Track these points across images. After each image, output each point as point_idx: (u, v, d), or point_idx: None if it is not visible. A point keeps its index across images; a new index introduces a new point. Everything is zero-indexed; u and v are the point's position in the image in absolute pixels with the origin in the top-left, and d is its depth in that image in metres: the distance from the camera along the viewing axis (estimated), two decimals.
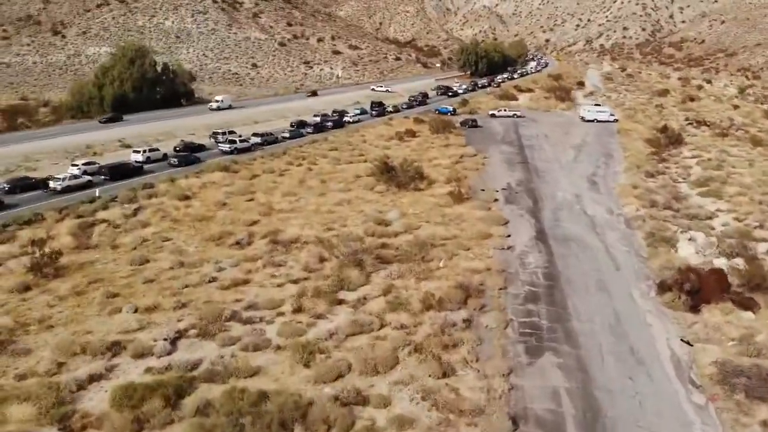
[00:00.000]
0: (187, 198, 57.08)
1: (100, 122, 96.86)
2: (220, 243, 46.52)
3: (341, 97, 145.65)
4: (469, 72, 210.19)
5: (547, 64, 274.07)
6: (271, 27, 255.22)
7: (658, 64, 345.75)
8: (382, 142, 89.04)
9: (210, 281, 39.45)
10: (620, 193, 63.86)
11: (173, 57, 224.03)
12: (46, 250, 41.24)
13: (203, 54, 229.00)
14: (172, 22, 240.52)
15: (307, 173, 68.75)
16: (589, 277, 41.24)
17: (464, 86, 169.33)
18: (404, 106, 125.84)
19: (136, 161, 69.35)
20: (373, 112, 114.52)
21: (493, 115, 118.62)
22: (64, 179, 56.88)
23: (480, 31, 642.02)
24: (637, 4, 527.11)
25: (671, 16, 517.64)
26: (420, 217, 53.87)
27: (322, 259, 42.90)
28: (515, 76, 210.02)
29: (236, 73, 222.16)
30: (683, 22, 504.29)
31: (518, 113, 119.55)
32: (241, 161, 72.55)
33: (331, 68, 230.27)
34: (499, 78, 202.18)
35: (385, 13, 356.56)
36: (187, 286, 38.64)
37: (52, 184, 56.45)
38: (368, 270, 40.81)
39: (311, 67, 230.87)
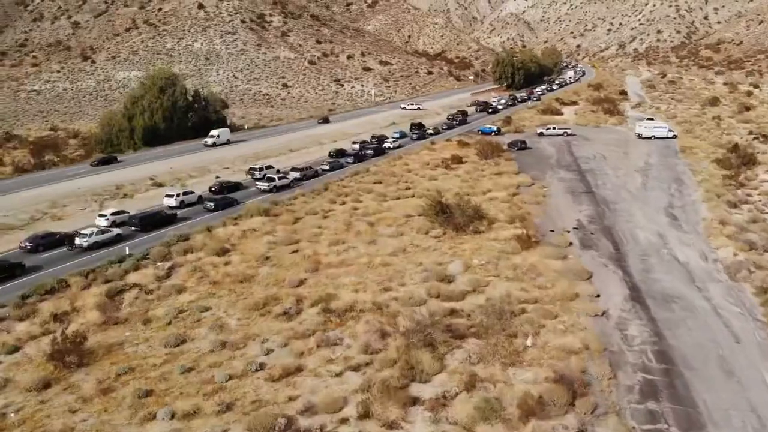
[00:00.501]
0: (226, 252, 51.50)
1: (91, 165, 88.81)
2: (265, 312, 40.68)
3: (373, 119, 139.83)
4: (505, 84, 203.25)
5: (584, 73, 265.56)
6: (300, 45, 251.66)
7: (697, 68, 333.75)
8: (427, 171, 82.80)
9: (257, 369, 33.51)
10: (708, 231, 56.51)
11: (203, 79, 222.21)
12: (69, 331, 35.88)
13: (233, 75, 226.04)
14: (201, 44, 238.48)
15: (352, 214, 62.78)
16: (708, 356, 34.29)
17: (503, 101, 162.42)
18: (444, 127, 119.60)
19: (169, 206, 64.24)
20: (413, 136, 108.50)
21: (541, 134, 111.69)
22: (90, 235, 51.79)
23: (507, 39, 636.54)
24: (670, 6, 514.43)
25: (706, 18, 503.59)
26: (487, 270, 47.41)
27: (383, 335, 36.71)
28: (554, 87, 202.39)
29: (267, 94, 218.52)
30: (718, 23, 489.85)
31: (568, 131, 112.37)
32: (281, 200, 67.03)
33: (362, 85, 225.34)
34: (538, 90, 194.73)
35: (413, 26, 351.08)
36: (231, 378, 32.75)
37: (78, 240, 51.40)
38: (441, 350, 34.50)
39: (342, 85, 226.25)
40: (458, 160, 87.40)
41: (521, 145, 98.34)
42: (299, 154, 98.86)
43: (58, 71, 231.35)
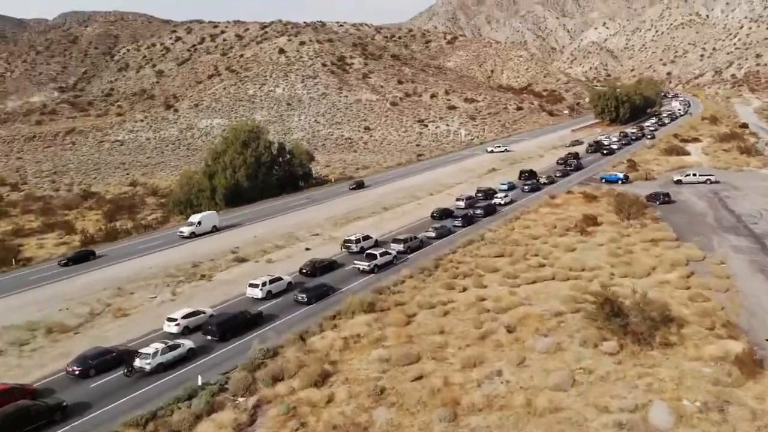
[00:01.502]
0: (326, 377, 38.33)
1: (59, 264, 66.60)
2: None
3: (467, 165, 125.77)
4: (608, 119, 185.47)
5: (689, 103, 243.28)
6: (382, 87, 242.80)
7: None
8: (557, 237, 67.69)
9: None
10: None
11: (285, 125, 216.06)
12: None
13: (315, 120, 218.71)
14: (283, 90, 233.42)
15: (480, 308, 48.53)
16: None
17: (615, 139, 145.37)
18: (558, 174, 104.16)
19: (253, 298, 52.22)
20: (525, 187, 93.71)
21: (679, 182, 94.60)
22: (154, 354, 39.84)
23: (590, 68, 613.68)
24: None
25: None
26: (711, 421, 31.88)
27: None
28: (665, 121, 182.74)
29: (349, 138, 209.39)
30: None
31: (711, 177, 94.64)
32: (385, 286, 53.78)
33: (447, 125, 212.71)
34: (648, 125, 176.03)
35: (496, 60, 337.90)
36: None
37: (138, 362, 39.55)
38: None
39: (426, 126, 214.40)
40: (593, 221, 71.88)
41: (664, 199, 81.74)
42: (394, 214, 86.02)
43: (142, 120, 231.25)
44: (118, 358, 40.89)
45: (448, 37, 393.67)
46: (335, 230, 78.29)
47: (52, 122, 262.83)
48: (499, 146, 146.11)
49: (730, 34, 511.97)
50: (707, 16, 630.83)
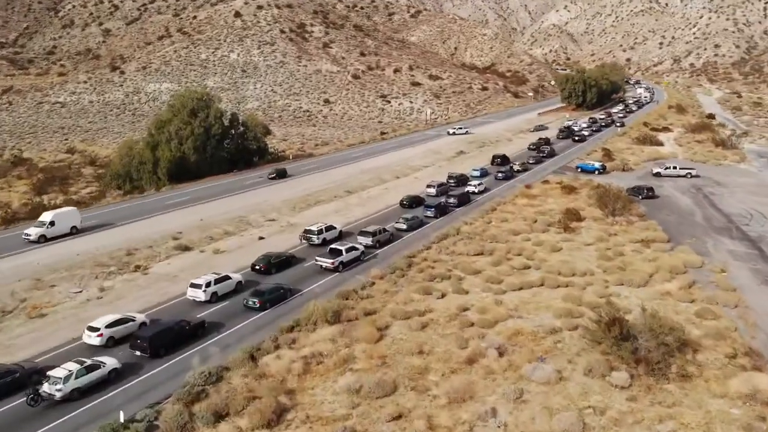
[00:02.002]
0: (282, 413, 31.00)
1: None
2: None
3: (435, 147, 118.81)
4: (574, 104, 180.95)
5: (653, 91, 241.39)
6: (343, 58, 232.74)
7: (766, 86, 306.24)
8: (540, 234, 61.48)
9: None
10: None
11: (239, 93, 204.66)
12: None
13: (271, 89, 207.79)
14: (238, 55, 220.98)
15: (462, 320, 41.88)
16: None
17: (584, 125, 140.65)
18: (531, 161, 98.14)
19: (195, 300, 44.22)
20: (499, 174, 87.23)
21: (658, 174, 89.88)
22: (68, 378, 31.72)
23: (551, 51, 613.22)
24: (727, 19, 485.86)
25: (766, 32, 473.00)
26: None
27: None
28: (633, 108, 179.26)
29: (307, 111, 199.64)
30: None
31: (692, 171, 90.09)
32: (352, 287, 46.58)
33: (411, 102, 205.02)
34: (616, 111, 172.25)
35: (460, 37, 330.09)
36: None
37: (47, 387, 31.46)
38: None
39: (389, 102, 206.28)
40: (575, 216, 65.96)
41: (648, 193, 76.56)
42: (359, 199, 78.48)
43: (85, 82, 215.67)
44: (26, 377, 32.59)
45: (412, 10, 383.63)
46: (293, 215, 70.41)
47: None
48: (461, 128, 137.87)
49: (690, 23, 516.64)
50: (666, 4, 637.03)
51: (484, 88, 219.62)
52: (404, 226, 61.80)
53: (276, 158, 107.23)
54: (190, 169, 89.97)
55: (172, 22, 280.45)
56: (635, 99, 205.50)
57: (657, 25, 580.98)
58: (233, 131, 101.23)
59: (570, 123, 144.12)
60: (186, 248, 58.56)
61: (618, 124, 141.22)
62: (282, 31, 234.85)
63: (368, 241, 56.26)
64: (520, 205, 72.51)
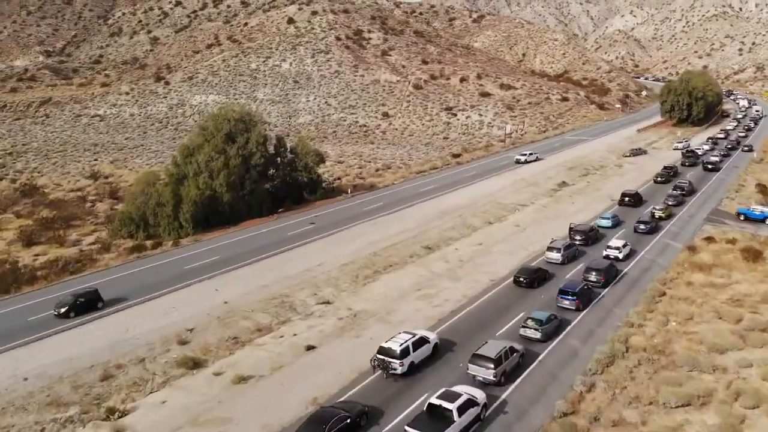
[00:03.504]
0: None
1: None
2: None
3: (528, 175, 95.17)
4: (676, 118, 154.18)
5: (755, 102, 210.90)
6: (404, 67, 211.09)
7: None
8: (760, 353, 37.59)
9: None
10: None
11: (290, 106, 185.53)
12: None
13: (325, 102, 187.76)
14: (290, 64, 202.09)
15: None
16: None
17: (706, 147, 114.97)
18: (671, 202, 73.64)
19: None
20: (641, 226, 63.02)
21: None
22: None
23: (617, 57, 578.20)
24: None
25: None
26: None
27: None
28: (751, 124, 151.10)
29: (364, 125, 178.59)
30: None
31: None
32: None
33: (481, 115, 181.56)
34: (731, 128, 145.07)
35: (528, 43, 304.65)
36: None
37: None
38: None
39: (454, 114, 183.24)
40: None
41: None
42: (446, 264, 55.83)
43: (127, 93, 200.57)
44: None
45: (474, 15, 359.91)
46: (356, 293, 48.60)
47: (29, 90, 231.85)
48: (531, 153, 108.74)
49: None
50: (740, 9, 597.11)
51: (565, 99, 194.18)
52: (538, 335, 38.80)
53: (330, 192, 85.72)
54: (222, 210, 69.34)
55: (222, 29, 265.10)
56: (743, 113, 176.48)
57: (733, 31, 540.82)
58: (279, 159, 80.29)
59: (683, 143, 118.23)
60: (195, 364, 37.33)
61: (745, 148, 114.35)
62: (338, 38, 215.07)
63: (489, 375, 33.43)
64: (696, 284, 48.54)
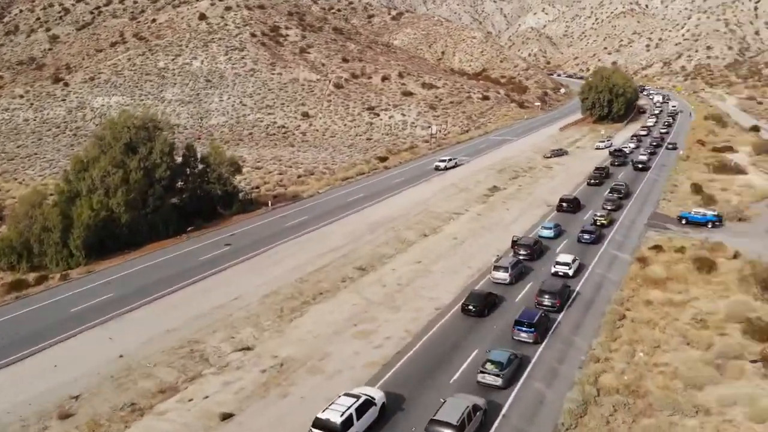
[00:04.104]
0: None
1: None
2: None
3: (458, 181, 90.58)
4: (597, 116, 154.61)
5: (669, 98, 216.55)
6: (323, 65, 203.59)
7: None
8: (738, 386, 33.61)
9: None
10: None
11: (202, 107, 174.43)
12: None
13: (240, 102, 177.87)
14: (202, 63, 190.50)
15: None
16: None
17: (632, 145, 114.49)
18: (609, 206, 70.48)
19: None
20: (585, 236, 59.05)
21: None
22: None
23: (530, 54, 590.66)
24: (717, 20, 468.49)
25: (757, 33, 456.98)
26: None
27: None
28: (669, 120, 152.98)
29: (283, 126, 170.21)
30: None
31: None
32: None
33: (404, 115, 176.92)
34: (651, 125, 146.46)
35: (447, 41, 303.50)
36: None
37: None
38: None
39: (377, 114, 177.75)
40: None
41: None
42: (383, 290, 49.78)
43: (22, 96, 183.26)
44: None
45: (393, 12, 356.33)
46: (280, 333, 41.76)
47: None
48: (450, 159, 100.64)
49: (678, 24, 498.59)
50: (647, 6, 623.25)
51: (485, 98, 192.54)
52: (499, 382, 33.20)
53: (249, 203, 77.86)
54: (120, 234, 60.40)
55: (128, 26, 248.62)
56: (659, 109, 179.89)
57: (640, 27, 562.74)
58: (188, 170, 71.78)
59: (606, 143, 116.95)
60: None
61: (670, 146, 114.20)
62: (253, 35, 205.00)
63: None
64: (655, 303, 44.57)
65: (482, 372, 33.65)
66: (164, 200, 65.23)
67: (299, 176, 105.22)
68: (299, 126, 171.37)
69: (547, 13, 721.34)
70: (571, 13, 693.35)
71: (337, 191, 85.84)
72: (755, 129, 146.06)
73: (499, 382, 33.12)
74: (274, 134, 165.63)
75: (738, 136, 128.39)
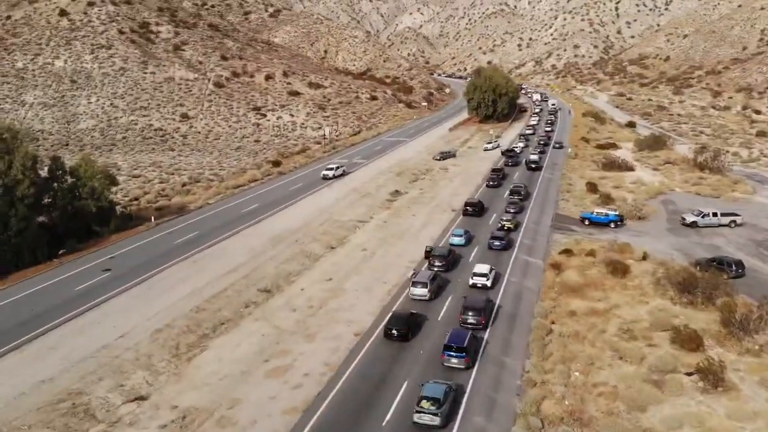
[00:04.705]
0: None
1: None
2: None
3: (360, 184, 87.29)
4: (482, 115, 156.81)
5: (548, 96, 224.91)
6: (201, 63, 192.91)
7: (638, 86, 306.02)
8: (676, 403, 32.44)
9: None
10: None
11: (68, 110, 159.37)
12: None
13: (111, 104, 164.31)
14: (65, 62, 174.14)
15: None
16: None
17: (521, 144, 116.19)
18: (512, 209, 69.60)
19: None
20: (496, 243, 57.30)
21: (693, 225, 65.00)
22: None
23: (409, 54, 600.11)
24: (582, 20, 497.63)
25: (619, 32, 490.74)
26: None
27: None
28: (552, 119, 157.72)
29: (161, 129, 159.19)
30: (632, 37, 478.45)
31: (737, 218, 66.15)
32: None
33: (292, 115, 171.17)
34: (535, 123, 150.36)
35: (329, 39, 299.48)
36: None
37: None
38: None
39: (264, 115, 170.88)
40: (694, 341, 37.82)
41: (737, 270, 50.58)
42: (294, 315, 45.47)
43: None
44: None
45: (271, 9, 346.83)
46: (178, 376, 36.28)
47: None
48: (338, 167, 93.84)
49: (546, 25, 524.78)
50: (515, 6, 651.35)
51: (374, 98, 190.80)
52: (437, 421, 29.81)
53: (128, 219, 69.94)
54: None
55: None
56: (539, 107, 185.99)
57: (511, 27, 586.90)
58: (56, 184, 62.96)
59: (494, 144, 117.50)
60: None
61: (557, 145, 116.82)
62: (121, 32, 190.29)
63: None
64: (579, 313, 43.18)
65: (418, 411, 30.14)
66: (29, 221, 56.42)
67: (184, 185, 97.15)
68: (178, 128, 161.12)
69: (422, 13, 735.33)
70: (445, 13, 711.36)
71: (229, 201, 79.45)
72: (632, 125, 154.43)
73: (437, 421, 29.78)
74: (151, 137, 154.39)
75: (618, 133, 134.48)
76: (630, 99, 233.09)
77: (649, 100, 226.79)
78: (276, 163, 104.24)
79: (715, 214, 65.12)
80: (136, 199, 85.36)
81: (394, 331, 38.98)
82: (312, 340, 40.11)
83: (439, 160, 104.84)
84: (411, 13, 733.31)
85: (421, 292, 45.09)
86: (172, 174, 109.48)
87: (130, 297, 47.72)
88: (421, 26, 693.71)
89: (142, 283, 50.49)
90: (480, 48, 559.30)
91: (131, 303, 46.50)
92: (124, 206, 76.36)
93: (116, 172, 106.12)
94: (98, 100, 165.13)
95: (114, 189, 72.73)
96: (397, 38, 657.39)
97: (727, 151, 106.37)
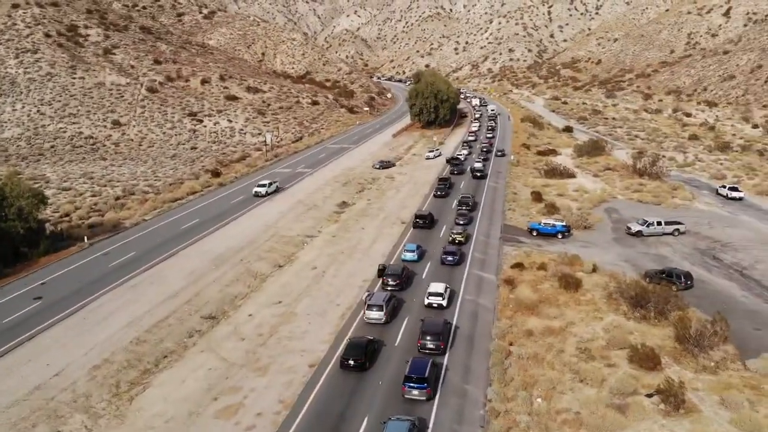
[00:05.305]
0: None
1: None
2: None
3: (307, 196, 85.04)
4: (424, 121, 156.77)
5: (486, 101, 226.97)
6: (133, 67, 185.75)
7: (572, 90, 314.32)
8: (640, 427, 32.11)
9: None
10: None
11: None
12: None
13: (38, 111, 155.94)
14: None
15: None
16: None
17: (464, 152, 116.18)
18: (461, 221, 68.96)
19: None
20: (449, 258, 56.33)
21: (639, 234, 66.08)
22: None
23: (347, 57, 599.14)
24: (516, 24, 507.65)
25: (552, 36, 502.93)
26: None
27: None
28: (492, 124, 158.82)
29: (91, 136, 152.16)
30: (564, 41, 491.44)
31: (680, 227, 67.52)
32: None
33: (230, 121, 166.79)
34: (475, 129, 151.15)
35: (267, 42, 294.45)
36: None
37: None
38: None
39: (201, 121, 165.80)
40: (651, 359, 37.80)
41: (686, 282, 51.33)
42: (242, 344, 43.29)
43: None
44: None
45: (205, 11, 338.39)
46: (120, 418, 33.74)
47: None
48: (271, 183, 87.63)
49: (481, 29, 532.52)
50: (451, 10, 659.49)
51: (315, 102, 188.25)
52: None
53: (60, 239, 65.66)
54: None
55: None
56: (479, 113, 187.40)
57: (447, 31, 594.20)
58: None
59: (435, 152, 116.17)
60: None
61: (499, 153, 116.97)
62: (47, 35, 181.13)
63: None
64: (535, 332, 42.61)
65: None
66: None
67: (117, 198, 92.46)
68: (110, 136, 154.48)
69: (359, 16, 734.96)
70: (382, 16, 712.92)
71: (167, 217, 75.79)
72: (569, 129, 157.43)
73: None
74: (81, 146, 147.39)
75: (556, 138, 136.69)
76: (565, 103, 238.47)
77: (584, 103, 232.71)
78: (216, 174, 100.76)
79: (659, 223, 66.37)
80: (67, 215, 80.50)
81: (350, 361, 37.33)
82: (264, 373, 37.99)
83: (379, 169, 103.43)
84: (348, 15, 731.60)
85: (376, 315, 43.61)
86: (105, 186, 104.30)
87: (64, 328, 44.31)
88: (358, 28, 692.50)
89: (76, 312, 47.03)
90: (418, 51, 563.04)
91: (65, 335, 43.15)
92: (54, 224, 71.80)
93: (45, 185, 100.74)
94: (24, 107, 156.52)
95: (43, 207, 68.33)
96: (335, 40, 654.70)
97: (664, 156, 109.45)
